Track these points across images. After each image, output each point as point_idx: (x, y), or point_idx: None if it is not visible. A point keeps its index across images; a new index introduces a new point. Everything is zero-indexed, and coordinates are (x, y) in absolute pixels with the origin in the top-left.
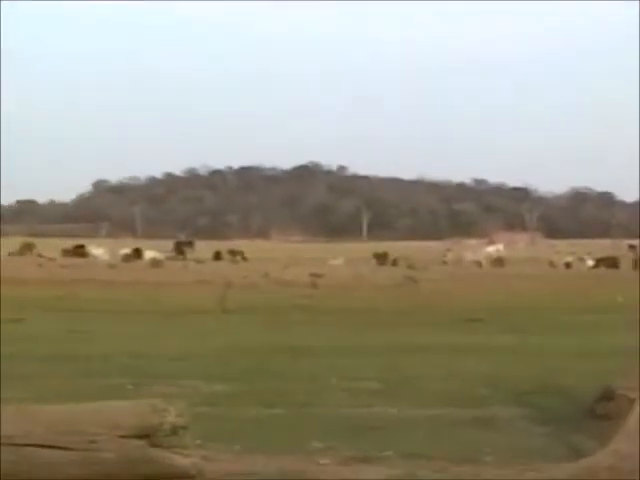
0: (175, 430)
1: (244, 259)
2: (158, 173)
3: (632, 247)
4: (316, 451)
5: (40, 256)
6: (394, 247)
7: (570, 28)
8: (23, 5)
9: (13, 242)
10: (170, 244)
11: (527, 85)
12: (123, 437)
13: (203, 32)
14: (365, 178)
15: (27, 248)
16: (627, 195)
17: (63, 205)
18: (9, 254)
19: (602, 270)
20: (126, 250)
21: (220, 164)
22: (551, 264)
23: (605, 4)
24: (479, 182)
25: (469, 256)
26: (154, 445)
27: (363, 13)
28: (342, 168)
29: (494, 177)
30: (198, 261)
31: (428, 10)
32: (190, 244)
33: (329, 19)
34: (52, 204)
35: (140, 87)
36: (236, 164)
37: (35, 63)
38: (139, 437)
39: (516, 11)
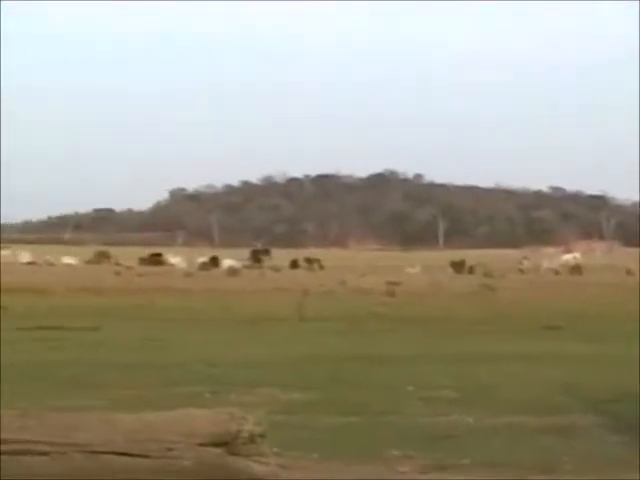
0: (253, 438)
1: (321, 267)
2: (235, 181)
3: None
4: (394, 459)
5: (117, 264)
6: (471, 255)
7: None
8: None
9: (90, 251)
10: (247, 252)
11: (605, 92)
12: (201, 445)
13: (274, 39)
14: (442, 186)
15: (104, 256)
16: None
17: (140, 213)
18: (87, 262)
19: None
20: (203, 258)
21: (297, 172)
22: (629, 272)
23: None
24: (556, 190)
25: (546, 264)
26: (232, 453)
27: (446, 21)
28: (418, 176)
29: (571, 185)
30: (275, 269)
31: (511, 19)
32: (267, 252)
33: (413, 26)
34: (129, 212)
35: (214, 95)
36: (313, 172)
37: (110, 79)
38: (217, 445)
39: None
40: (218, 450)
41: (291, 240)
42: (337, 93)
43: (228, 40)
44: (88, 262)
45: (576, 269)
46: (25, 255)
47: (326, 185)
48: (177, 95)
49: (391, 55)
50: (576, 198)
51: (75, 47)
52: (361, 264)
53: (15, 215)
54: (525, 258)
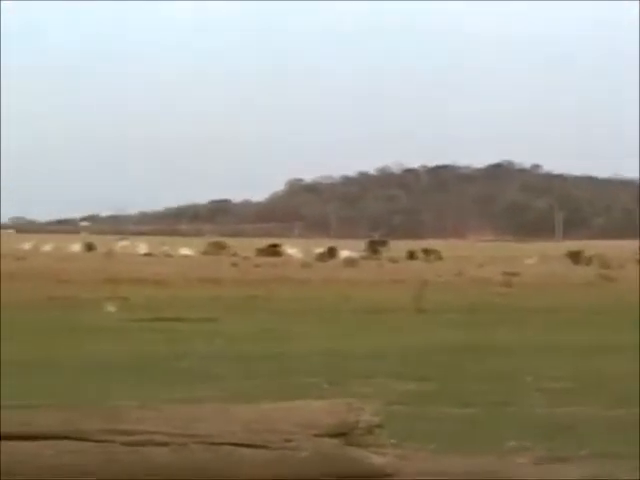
0: (370, 429)
1: (439, 258)
2: (352, 172)
3: None
4: (512, 451)
5: (234, 255)
6: (588, 246)
7: None
8: None
9: (207, 242)
10: (364, 243)
11: None
12: (319, 436)
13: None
14: (559, 176)
15: (221, 248)
16: None
17: (257, 204)
18: (203, 253)
19: None
20: (320, 249)
21: (414, 163)
22: None
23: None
24: None
25: None
26: (350, 444)
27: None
28: (536, 166)
29: None
30: (392, 260)
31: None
32: (384, 243)
33: (521, 17)
34: (246, 203)
35: (334, 87)
36: (429, 163)
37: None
38: (334, 436)
39: None
40: (336, 441)
41: (408, 231)
42: (452, 84)
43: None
44: (205, 253)
45: None
46: (142, 246)
47: (443, 176)
48: (293, 85)
49: (505, 44)
50: None
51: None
52: (478, 255)
53: (132, 206)
54: None
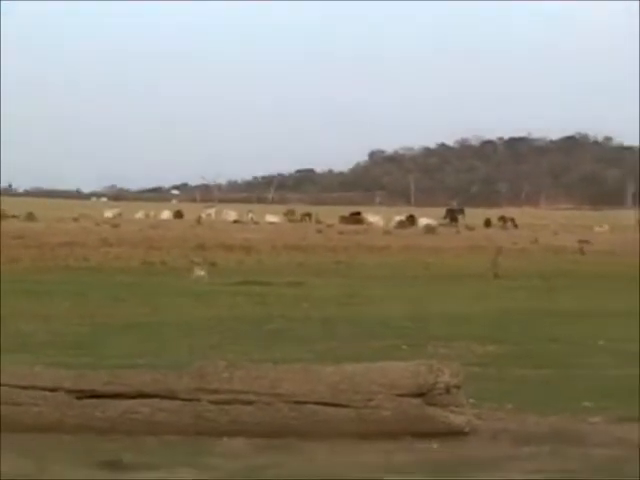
0: (449, 389)
1: (515, 226)
2: (432, 143)
3: None
4: (586, 410)
5: (319, 222)
6: None
7: None
8: None
9: (293, 209)
10: (442, 212)
11: None
12: (400, 396)
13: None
14: (630, 149)
15: (306, 215)
16: None
17: (340, 174)
18: (289, 221)
19: None
20: (401, 217)
21: (491, 135)
22: None
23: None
24: None
25: None
26: (429, 403)
27: None
28: (608, 139)
29: None
30: (470, 228)
31: None
32: (461, 211)
33: None
34: (330, 173)
35: (412, 60)
36: (506, 135)
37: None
38: (415, 396)
39: None
40: (416, 400)
41: (485, 200)
42: (526, 60)
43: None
44: (291, 221)
45: None
46: (231, 214)
47: (519, 147)
48: (380, 60)
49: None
50: None
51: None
52: (553, 223)
53: (221, 176)
54: None
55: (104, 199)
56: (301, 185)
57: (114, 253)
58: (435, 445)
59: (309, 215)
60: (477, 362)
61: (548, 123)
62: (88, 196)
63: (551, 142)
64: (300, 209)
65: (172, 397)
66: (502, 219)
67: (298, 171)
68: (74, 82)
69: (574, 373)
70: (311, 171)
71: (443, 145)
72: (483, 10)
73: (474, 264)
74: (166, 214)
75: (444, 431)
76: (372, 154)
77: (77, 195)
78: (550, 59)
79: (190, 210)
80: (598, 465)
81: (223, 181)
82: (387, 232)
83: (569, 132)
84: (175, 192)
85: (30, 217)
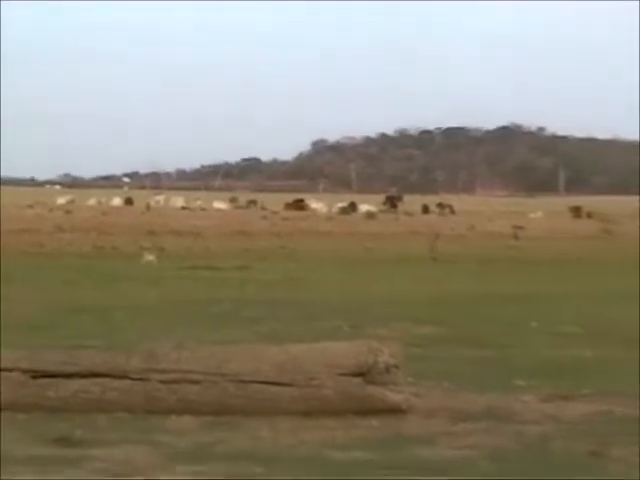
0: (389, 369)
1: (452, 212)
2: (372, 133)
3: None
4: (519, 389)
5: (264, 209)
6: (589, 202)
7: None
8: None
9: (239, 197)
10: (382, 199)
11: None
12: (341, 375)
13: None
14: (562, 138)
15: (252, 202)
16: None
17: (285, 163)
18: (235, 207)
19: None
20: (342, 204)
21: (429, 125)
22: None
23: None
24: None
25: None
26: (369, 382)
27: None
28: (541, 129)
29: None
30: (408, 214)
31: None
32: (400, 198)
33: None
34: (275, 162)
35: (357, 56)
36: (444, 125)
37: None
38: (355, 375)
39: None
40: (357, 379)
41: (423, 187)
42: (462, 52)
43: None
44: (237, 207)
45: None
46: (179, 200)
47: (455, 137)
48: (321, 52)
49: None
50: None
51: None
52: (488, 210)
53: (169, 164)
54: None
55: (58, 187)
56: (247, 173)
57: (67, 239)
58: (375, 422)
59: (254, 202)
60: (415, 343)
61: (484, 113)
62: (42, 184)
63: (487, 132)
64: (246, 196)
65: (122, 377)
66: (440, 206)
67: (244, 160)
68: (28, 72)
69: (508, 353)
70: (257, 160)
71: (383, 135)
72: (421, 7)
73: (413, 249)
74: (117, 201)
75: (383, 409)
76: (315, 143)
77: (31, 183)
78: (487, 50)
79: (140, 197)
80: (529, 441)
81: (172, 169)
82: (329, 218)
83: (504, 122)
84: (126, 180)
85: None
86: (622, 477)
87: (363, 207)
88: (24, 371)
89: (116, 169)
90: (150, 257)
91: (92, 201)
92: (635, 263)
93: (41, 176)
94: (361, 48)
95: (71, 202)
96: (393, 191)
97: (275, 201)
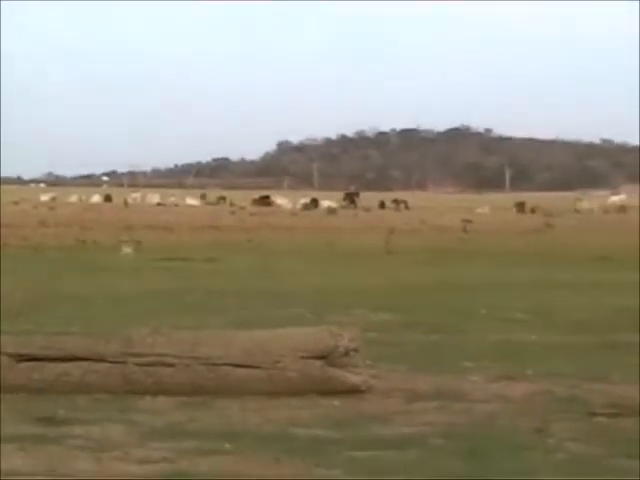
0: (348, 352)
1: (406, 208)
2: (333, 135)
3: None
4: (468, 370)
5: (232, 205)
6: (533, 197)
7: None
8: None
9: (210, 194)
10: (342, 195)
11: None
12: (304, 358)
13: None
14: (508, 139)
15: (221, 199)
16: None
17: (252, 162)
18: (206, 204)
19: None
20: (305, 200)
21: (385, 126)
22: None
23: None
24: (606, 141)
25: (597, 204)
26: (330, 365)
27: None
28: (488, 130)
29: (619, 136)
30: (366, 209)
31: None
32: (358, 195)
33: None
34: (243, 161)
35: (318, 61)
36: (398, 127)
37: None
38: (317, 358)
39: None
40: (319, 362)
41: (379, 185)
42: (417, 56)
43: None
44: (207, 204)
45: (622, 209)
46: (154, 197)
47: (409, 138)
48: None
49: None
50: (623, 148)
51: None
52: (440, 205)
53: (145, 163)
54: (579, 200)
55: (42, 185)
56: (217, 172)
57: (51, 233)
58: (336, 402)
59: (224, 198)
60: (373, 328)
61: (435, 116)
62: (27, 182)
63: (438, 133)
64: (216, 193)
65: (101, 360)
66: (395, 202)
67: (214, 159)
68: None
69: (458, 338)
70: (226, 159)
71: (343, 136)
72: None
73: (370, 242)
74: (97, 198)
75: (344, 390)
76: (280, 144)
77: (18, 181)
78: (438, 55)
79: (118, 195)
80: (478, 418)
81: (148, 168)
82: (293, 213)
83: (454, 124)
84: (105, 178)
85: None
86: (562, 451)
87: (324, 203)
88: (10, 355)
89: (96, 169)
90: (128, 250)
91: (73, 198)
92: (574, 254)
93: (27, 175)
94: (321, 55)
95: (54, 199)
96: (352, 188)
97: (243, 198)
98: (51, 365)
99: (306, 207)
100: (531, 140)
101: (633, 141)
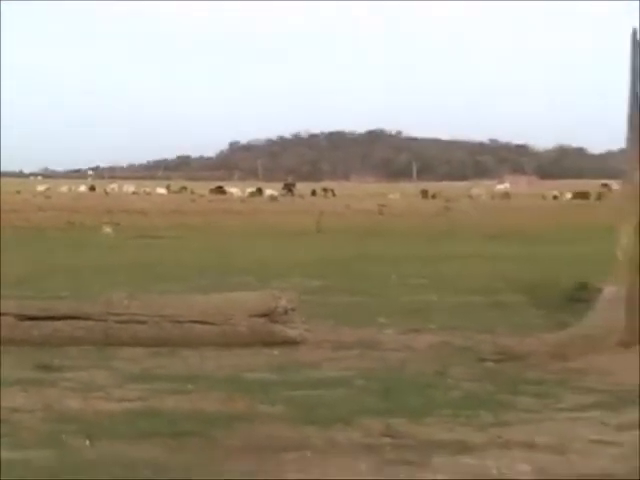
0: (287, 311)
1: (333, 195)
2: (274, 136)
3: (605, 185)
4: (383, 325)
5: (193, 194)
6: (434, 186)
7: None
8: None
9: (174, 185)
10: (281, 185)
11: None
12: (251, 316)
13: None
14: (415, 139)
15: (184, 189)
16: (596, 149)
17: (209, 158)
18: (172, 193)
19: (577, 201)
20: (252, 189)
21: (316, 129)
22: (543, 197)
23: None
24: (493, 141)
25: (486, 192)
26: (272, 321)
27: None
28: (399, 132)
29: (504, 137)
30: (301, 196)
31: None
32: (294, 185)
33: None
34: (201, 158)
35: (263, 70)
36: (327, 129)
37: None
38: (262, 316)
39: None
40: (263, 319)
41: (312, 177)
42: (339, 64)
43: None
44: (173, 193)
45: (506, 195)
46: (130, 187)
47: (336, 138)
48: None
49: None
50: (507, 147)
51: None
52: (360, 193)
53: (123, 159)
54: (471, 188)
55: (39, 177)
56: (181, 167)
57: (46, 216)
58: (276, 352)
59: (186, 188)
60: (307, 292)
61: (357, 120)
62: (27, 175)
63: (359, 134)
64: (180, 184)
65: (87, 319)
66: (324, 190)
67: (179, 157)
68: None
69: (374, 299)
70: (188, 157)
71: (282, 137)
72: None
73: (304, 223)
74: (83, 188)
75: (283, 341)
76: (232, 144)
77: (19, 175)
78: (358, 63)
79: (100, 185)
80: (391, 364)
81: (125, 164)
82: (242, 200)
83: (372, 127)
84: (90, 172)
85: None
86: (459, 389)
87: (267, 192)
88: (14, 315)
89: (83, 164)
90: (108, 230)
91: (64, 188)
92: (468, 232)
93: (27, 169)
94: (266, 71)
95: (48, 189)
96: (289, 180)
97: (202, 188)
98: (47, 323)
99: (252, 195)
100: (434, 140)
101: (515, 140)
